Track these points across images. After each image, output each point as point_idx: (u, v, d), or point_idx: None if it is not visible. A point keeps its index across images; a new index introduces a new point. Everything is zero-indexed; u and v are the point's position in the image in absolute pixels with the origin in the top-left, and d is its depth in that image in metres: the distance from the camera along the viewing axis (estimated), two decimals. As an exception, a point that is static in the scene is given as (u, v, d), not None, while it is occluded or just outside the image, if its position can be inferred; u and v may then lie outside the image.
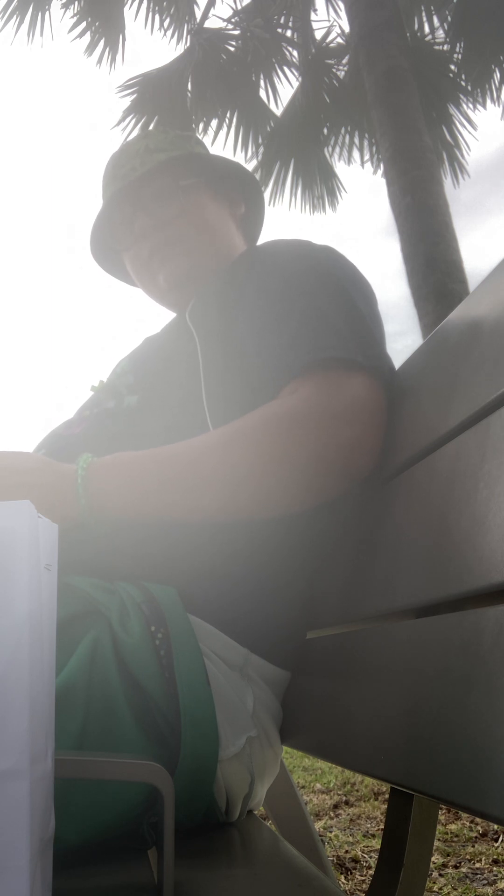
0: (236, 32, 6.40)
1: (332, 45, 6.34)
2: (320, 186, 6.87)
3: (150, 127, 6.10)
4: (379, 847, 1.14)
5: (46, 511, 0.73)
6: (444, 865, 1.71)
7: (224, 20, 6.60)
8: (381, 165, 4.69)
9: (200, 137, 1.17)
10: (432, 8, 5.96)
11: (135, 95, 6.35)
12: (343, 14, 5.68)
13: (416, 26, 6.02)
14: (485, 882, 1.61)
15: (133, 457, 0.77)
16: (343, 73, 6.30)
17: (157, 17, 6.58)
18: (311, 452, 0.73)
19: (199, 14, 6.65)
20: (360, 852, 1.83)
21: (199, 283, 1.02)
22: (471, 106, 6.20)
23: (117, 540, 0.81)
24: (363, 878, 1.67)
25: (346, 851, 1.84)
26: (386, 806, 1.30)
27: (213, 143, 6.72)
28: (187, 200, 1.03)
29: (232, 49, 6.36)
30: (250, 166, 6.59)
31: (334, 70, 6.33)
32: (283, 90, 16.54)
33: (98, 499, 0.74)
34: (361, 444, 0.75)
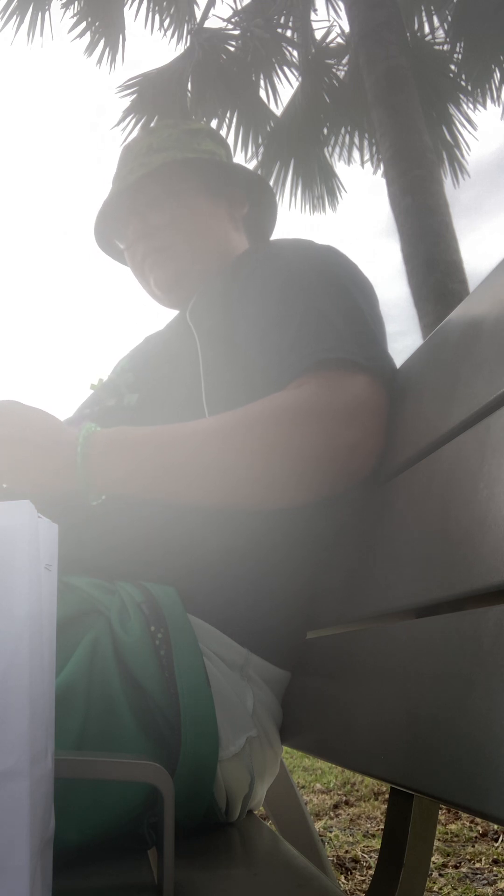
0: (236, 32, 6.40)
1: (332, 45, 6.34)
2: (320, 186, 6.86)
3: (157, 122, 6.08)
4: (379, 847, 1.14)
5: (40, 472, 0.75)
6: (444, 865, 1.71)
7: (224, 20, 6.60)
8: (381, 165, 4.69)
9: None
10: (432, 8, 5.95)
11: (135, 95, 6.35)
12: (343, 14, 5.68)
13: (416, 26, 6.02)
14: (485, 882, 1.61)
15: (135, 438, 0.77)
16: (343, 73, 6.30)
17: (157, 17, 6.58)
18: (313, 447, 0.73)
19: (199, 14, 6.65)
20: (360, 852, 1.83)
21: (191, 286, 1.04)
22: (471, 106, 6.20)
23: (117, 539, 0.81)
24: (363, 878, 1.67)
25: (346, 851, 1.84)
26: (386, 806, 1.30)
27: (213, 143, 6.69)
28: (180, 206, 1.04)
29: (232, 49, 6.36)
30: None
31: (334, 70, 6.33)
32: (283, 90, 16.54)
33: (97, 477, 0.76)
34: (362, 445, 0.75)
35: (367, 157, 6.61)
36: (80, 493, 0.77)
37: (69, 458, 0.75)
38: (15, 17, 6.25)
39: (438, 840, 1.89)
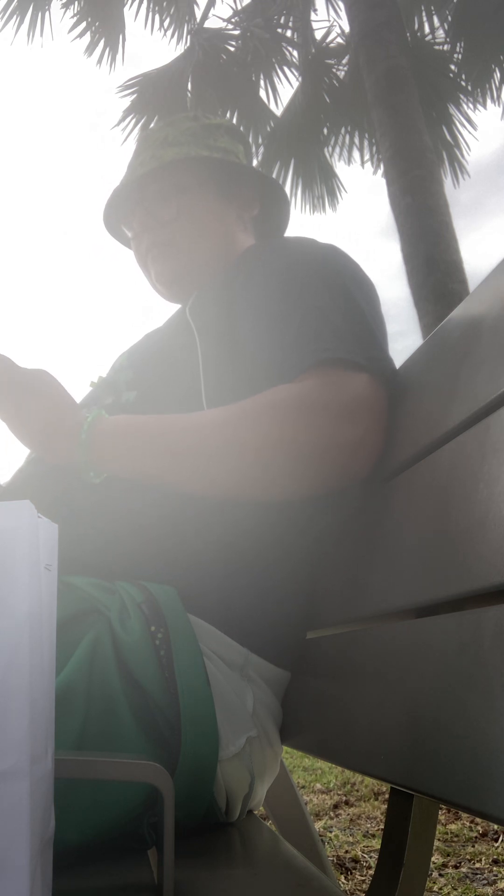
0: (236, 32, 6.40)
1: (332, 45, 6.34)
2: (320, 186, 6.86)
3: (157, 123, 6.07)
4: (379, 847, 1.14)
5: (45, 431, 0.79)
6: (444, 865, 1.71)
7: (224, 20, 6.61)
8: (381, 165, 4.69)
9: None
10: (432, 8, 5.95)
11: (135, 95, 6.35)
12: (343, 14, 5.68)
13: (416, 26, 6.02)
14: (485, 882, 1.61)
15: (139, 423, 0.80)
16: (343, 73, 6.29)
17: (157, 17, 6.58)
18: (312, 442, 0.74)
19: (199, 14, 6.65)
20: (360, 852, 1.83)
21: (192, 283, 1.04)
22: (471, 106, 6.19)
23: (117, 539, 0.81)
24: (363, 878, 1.67)
25: (346, 851, 1.84)
26: (386, 806, 1.30)
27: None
28: (187, 202, 1.04)
29: (232, 49, 6.36)
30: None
31: (334, 70, 6.33)
32: (283, 90, 16.53)
33: (97, 453, 0.78)
34: (362, 444, 0.75)
35: (367, 157, 6.61)
36: (79, 468, 0.79)
37: (74, 428, 0.78)
38: (15, 17, 6.24)
39: (438, 840, 1.89)
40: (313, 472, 0.75)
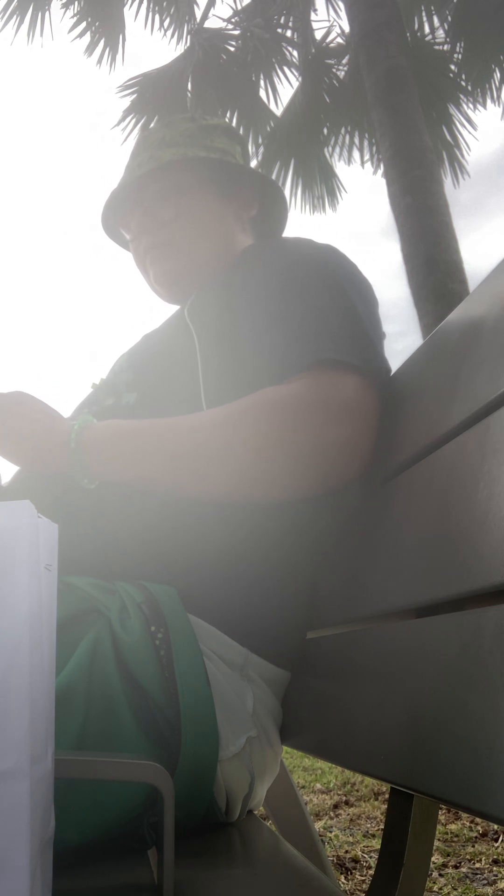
0: (236, 32, 6.39)
1: (332, 45, 6.33)
2: (320, 186, 6.86)
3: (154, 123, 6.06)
4: (379, 847, 1.14)
5: (37, 448, 0.81)
6: (444, 865, 1.71)
7: (224, 20, 6.60)
8: (381, 165, 4.69)
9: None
10: (432, 8, 5.95)
11: (135, 95, 6.35)
12: (343, 14, 5.68)
13: (416, 26, 6.02)
14: (485, 882, 1.61)
15: (128, 426, 0.80)
16: (343, 73, 6.29)
17: (157, 17, 6.58)
18: (299, 442, 0.75)
19: (199, 14, 6.65)
20: (360, 852, 1.83)
21: (191, 284, 1.04)
22: (471, 106, 6.19)
23: (116, 539, 0.81)
24: (363, 878, 1.67)
25: (346, 851, 1.84)
26: (386, 806, 1.30)
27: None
28: (186, 203, 1.03)
29: (232, 49, 6.35)
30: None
31: (334, 70, 6.33)
32: (283, 90, 16.50)
33: (89, 459, 0.79)
34: (350, 444, 0.76)
35: (367, 157, 6.61)
36: (72, 475, 0.80)
37: (64, 438, 0.80)
38: (15, 17, 6.24)
39: (438, 840, 1.89)
40: (312, 471, 0.76)
